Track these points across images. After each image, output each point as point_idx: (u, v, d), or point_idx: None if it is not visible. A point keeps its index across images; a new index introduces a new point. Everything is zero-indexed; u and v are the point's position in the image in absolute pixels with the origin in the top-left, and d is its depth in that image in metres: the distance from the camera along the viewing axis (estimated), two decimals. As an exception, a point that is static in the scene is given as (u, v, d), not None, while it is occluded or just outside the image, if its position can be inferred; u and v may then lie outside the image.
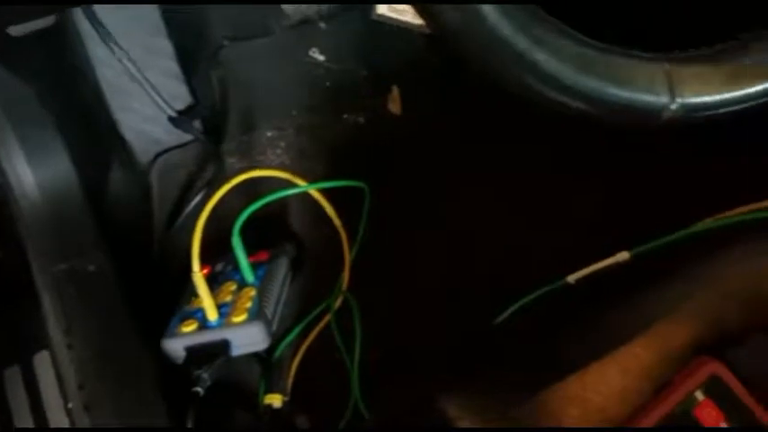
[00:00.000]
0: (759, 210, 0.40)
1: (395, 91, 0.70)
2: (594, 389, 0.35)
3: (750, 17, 0.31)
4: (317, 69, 0.72)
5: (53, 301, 0.48)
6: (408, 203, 0.61)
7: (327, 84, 0.71)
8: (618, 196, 0.49)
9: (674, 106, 0.28)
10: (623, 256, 0.41)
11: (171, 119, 0.58)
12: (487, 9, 0.24)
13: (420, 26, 0.69)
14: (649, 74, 0.27)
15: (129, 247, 0.58)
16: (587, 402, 0.34)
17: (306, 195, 0.60)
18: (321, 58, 0.72)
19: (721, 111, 0.29)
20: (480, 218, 0.56)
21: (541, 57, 0.26)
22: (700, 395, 0.31)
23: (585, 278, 0.42)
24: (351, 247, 0.58)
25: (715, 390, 0.31)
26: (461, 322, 0.50)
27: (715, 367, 0.31)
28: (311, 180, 0.61)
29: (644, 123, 0.28)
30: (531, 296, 0.43)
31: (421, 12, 0.26)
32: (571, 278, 0.42)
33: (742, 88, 0.28)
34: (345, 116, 0.70)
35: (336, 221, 0.58)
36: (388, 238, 0.59)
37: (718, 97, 0.28)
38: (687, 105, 0.28)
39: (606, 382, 0.35)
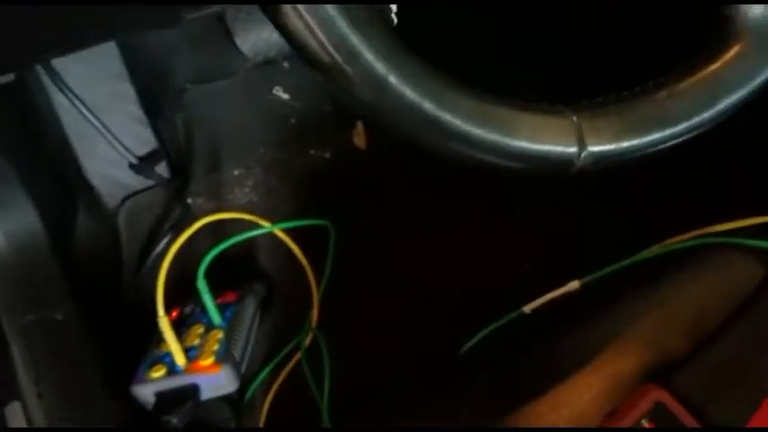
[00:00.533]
0: (703, 235, 0.42)
1: (359, 126, 0.72)
2: (548, 418, 0.36)
3: (656, 62, 0.32)
4: (282, 107, 0.73)
5: (22, 352, 0.48)
6: (373, 237, 0.62)
7: (292, 121, 0.72)
8: (570, 226, 0.50)
9: (584, 155, 0.29)
10: (574, 285, 0.42)
11: (132, 166, 0.58)
12: (392, 79, 0.26)
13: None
14: (558, 126, 0.29)
15: (97, 293, 0.58)
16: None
17: (272, 234, 0.61)
18: (285, 96, 0.73)
19: (630, 157, 0.30)
20: (443, 250, 0.58)
21: (448, 117, 0.27)
22: (645, 422, 0.32)
23: (540, 307, 0.43)
24: (318, 285, 0.59)
25: (660, 417, 0.32)
26: (427, 353, 0.51)
27: (659, 394, 0.32)
28: (278, 218, 0.62)
29: (556, 173, 0.30)
30: (490, 327, 0.44)
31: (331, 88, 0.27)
32: (527, 308, 0.43)
33: (651, 134, 0.30)
34: (312, 152, 0.71)
35: (303, 260, 0.59)
36: (354, 273, 0.60)
37: (626, 144, 0.30)
38: (596, 154, 0.29)
39: (559, 412, 0.36)
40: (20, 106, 0.59)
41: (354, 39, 0.25)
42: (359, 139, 0.72)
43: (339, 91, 0.26)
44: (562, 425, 0.36)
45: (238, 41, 0.67)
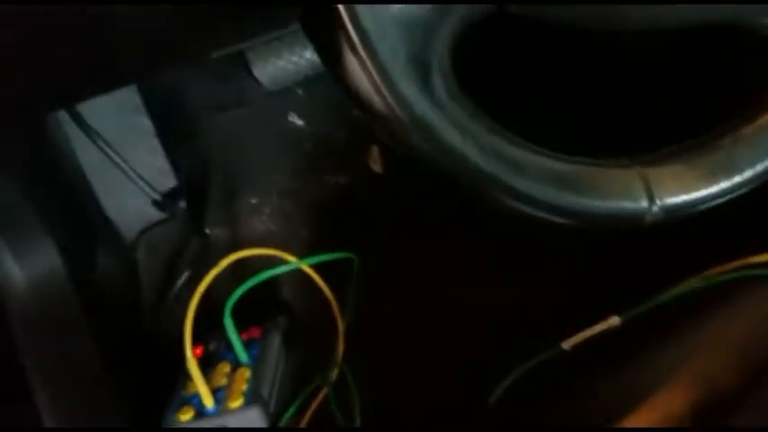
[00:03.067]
0: (745, 267, 0.41)
1: (375, 150, 0.71)
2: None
3: (706, 109, 0.32)
4: (297, 133, 0.72)
5: (47, 394, 0.47)
6: (397, 267, 0.61)
7: (307, 147, 0.71)
8: (605, 259, 0.49)
9: (654, 209, 0.29)
10: (614, 320, 0.41)
11: (154, 202, 0.58)
12: (469, 151, 0.25)
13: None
14: (625, 181, 0.28)
15: (119, 331, 0.57)
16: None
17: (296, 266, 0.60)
18: (300, 122, 0.73)
19: (702, 207, 0.30)
20: (471, 280, 0.57)
21: (521, 182, 0.26)
22: (706, 471, 0.31)
23: (579, 345, 0.42)
24: (343, 317, 0.58)
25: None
26: (458, 390, 0.50)
27: (718, 439, 0.31)
28: (297, 246, 0.61)
29: (626, 229, 0.29)
30: (527, 365, 0.43)
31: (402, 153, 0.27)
32: (565, 344, 0.42)
33: (719, 183, 0.29)
34: (327, 178, 0.70)
35: (327, 293, 0.58)
36: (379, 304, 0.59)
37: (697, 195, 0.29)
38: (667, 207, 0.29)
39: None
40: (36, 144, 0.58)
41: (426, 107, 0.24)
42: (375, 164, 0.71)
43: (403, 151, 0.26)
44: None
45: (256, 72, 0.66)
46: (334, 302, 0.58)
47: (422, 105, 0.24)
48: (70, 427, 0.47)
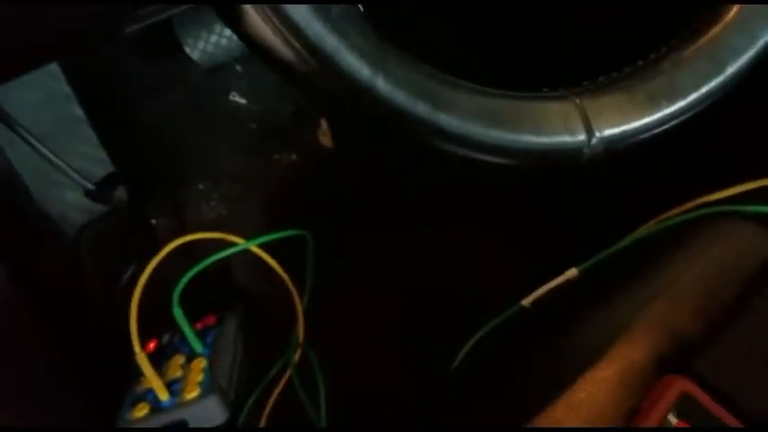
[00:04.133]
0: (700, 206, 0.40)
1: (324, 124, 0.69)
2: (567, 422, 0.34)
3: (647, 36, 0.30)
4: (240, 113, 0.70)
5: None
6: (353, 242, 0.59)
7: (253, 126, 0.69)
8: (561, 211, 0.48)
9: (594, 142, 0.27)
10: (572, 272, 0.40)
11: (89, 193, 0.55)
12: (380, 84, 0.23)
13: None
14: (561, 114, 0.26)
15: (66, 329, 0.54)
16: (561, 438, 0.33)
17: (247, 249, 0.57)
18: (242, 101, 0.70)
19: (643, 137, 0.28)
20: (428, 248, 0.55)
21: (445, 118, 0.24)
22: (672, 418, 0.30)
23: (540, 300, 0.41)
24: (301, 298, 0.56)
25: (687, 410, 0.30)
26: (423, 359, 0.49)
27: (684, 385, 0.31)
28: (250, 229, 0.59)
29: (565, 165, 0.27)
30: (488, 326, 0.42)
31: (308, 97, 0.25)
32: (525, 302, 0.41)
33: (661, 110, 0.28)
34: (277, 156, 0.68)
35: (282, 274, 0.56)
36: (337, 281, 0.57)
37: (638, 124, 0.28)
38: (607, 138, 0.27)
39: (576, 413, 0.34)
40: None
41: (333, 39, 0.22)
42: (325, 137, 0.69)
43: (316, 100, 0.24)
44: (582, 427, 0.34)
45: (187, 49, 0.63)
46: (289, 283, 0.56)
47: (325, 41, 0.22)
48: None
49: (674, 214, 0.40)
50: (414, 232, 0.57)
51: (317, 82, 0.23)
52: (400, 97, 0.23)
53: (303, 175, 0.67)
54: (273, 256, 0.57)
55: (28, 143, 0.53)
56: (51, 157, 0.54)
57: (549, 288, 0.41)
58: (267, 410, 0.53)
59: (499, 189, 0.52)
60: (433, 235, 0.55)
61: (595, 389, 0.34)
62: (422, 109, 0.23)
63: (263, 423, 0.52)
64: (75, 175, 0.54)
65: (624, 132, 0.27)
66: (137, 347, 0.47)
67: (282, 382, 0.54)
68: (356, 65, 0.22)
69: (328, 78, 0.23)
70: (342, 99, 0.24)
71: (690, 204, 0.40)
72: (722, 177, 0.40)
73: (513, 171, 0.26)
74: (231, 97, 0.70)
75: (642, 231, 0.40)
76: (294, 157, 0.68)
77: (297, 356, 0.55)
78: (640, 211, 0.42)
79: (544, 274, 0.41)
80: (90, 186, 0.55)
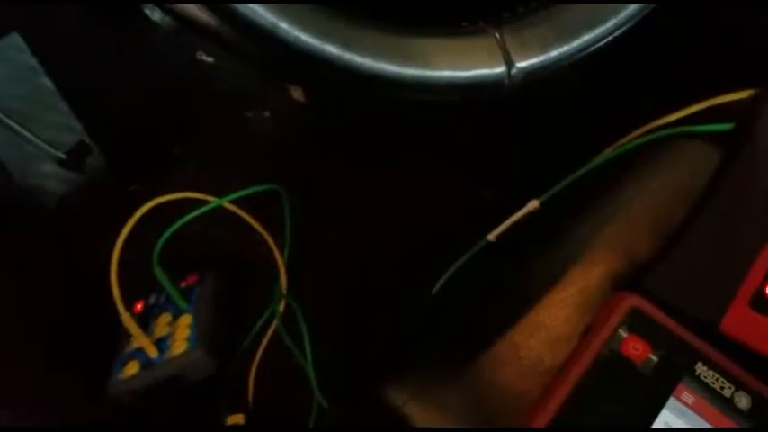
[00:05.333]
0: (652, 130, 0.41)
1: (294, 78, 0.69)
2: (525, 345, 0.35)
3: None
4: (210, 72, 0.70)
5: None
6: (327, 193, 0.60)
7: (223, 85, 0.69)
8: (521, 147, 0.49)
9: (513, 72, 0.27)
10: (533, 204, 0.41)
11: (62, 162, 0.55)
12: (283, 29, 0.23)
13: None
14: (480, 47, 0.27)
15: (53, 300, 0.56)
16: (521, 360, 0.35)
17: (224, 208, 0.58)
18: (210, 59, 0.70)
19: (563, 64, 0.28)
20: (398, 193, 0.56)
21: (356, 59, 0.25)
22: (623, 332, 0.31)
23: (506, 234, 0.42)
24: (281, 251, 0.57)
25: (637, 323, 0.31)
26: (399, 300, 0.50)
27: (633, 300, 0.32)
28: (228, 190, 0.60)
29: (486, 98, 0.28)
30: (457, 263, 0.43)
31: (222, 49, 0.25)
32: (490, 236, 0.42)
33: (581, 37, 0.28)
34: (249, 114, 0.68)
35: (259, 228, 0.57)
36: (315, 232, 0.58)
37: (555, 53, 0.28)
38: (526, 69, 0.28)
39: (535, 336, 0.36)
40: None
41: None
42: (296, 92, 0.69)
43: (232, 54, 0.24)
44: (539, 349, 0.35)
45: (148, 11, 0.63)
46: (268, 237, 0.58)
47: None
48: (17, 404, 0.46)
49: (628, 140, 0.41)
50: (382, 178, 0.57)
51: (227, 38, 0.24)
52: (307, 39, 0.24)
53: (277, 130, 0.67)
54: (250, 213, 0.58)
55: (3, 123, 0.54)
56: (22, 130, 0.54)
57: (511, 222, 0.42)
58: (256, 360, 0.54)
59: (462, 131, 0.53)
60: (402, 179, 0.56)
61: (553, 311, 0.36)
62: (331, 50, 0.24)
63: (252, 372, 0.54)
64: (46, 146, 0.55)
65: (543, 62, 0.28)
66: (121, 309, 0.49)
67: (269, 332, 0.55)
68: (257, 12, 0.23)
69: (238, 32, 0.23)
70: (253, 50, 0.24)
71: (642, 129, 0.41)
72: (671, 100, 0.40)
73: (440, 104, 0.27)
74: (198, 56, 0.70)
75: (599, 159, 0.41)
76: (267, 113, 0.68)
77: (281, 307, 0.56)
78: (597, 139, 0.43)
79: (510, 208, 0.42)
80: (62, 156, 0.56)
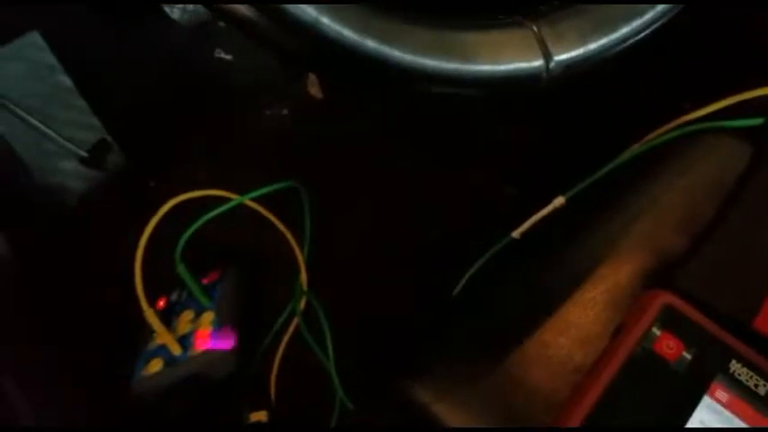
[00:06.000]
0: (682, 125, 0.40)
1: (311, 75, 0.69)
2: (555, 344, 0.35)
3: None
4: (228, 69, 0.70)
5: (11, 373, 0.47)
6: (347, 189, 0.60)
7: (241, 82, 0.69)
8: (546, 141, 0.48)
9: (551, 65, 0.27)
10: (559, 201, 0.41)
11: (82, 160, 0.56)
12: (325, 24, 0.23)
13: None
14: (517, 41, 0.26)
15: (77, 296, 0.56)
16: (550, 359, 0.35)
17: (245, 205, 0.58)
18: (228, 57, 0.70)
19: (602, 57, 0.28)
20: (420, 188, 0.56)
21: (396, 54, 0.24)
22: (656, 330, 0.31)
23: (530, 231, 0.42)
24: (301, 248, 0.57)
25: (670, 321, 0.31)
26: (422, 297, 0.50)
27: (666, 298, 0.32)
28: (246, 187, 0.60)
29: (525, 92, 0.27)
30: (481, 260, 0.43)
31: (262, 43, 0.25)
32: (515, 233, 0.42)
33: (617, 29, 0.28)
34: (268, 112, 0.68)
35: (280, 226, 0.57)
36: (335, 228, 0.58)
37: (594, 46, 0.28)
38: (564, 62, 0.27)
39: (565, 335, 0.35)
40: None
41: None
42: (314, 88, 0.69)
43: (274, 50, 0.24)
44: (569, 348, 0.35)
45: (167, 10, 0.63)
46: (289, 235, 0.58)
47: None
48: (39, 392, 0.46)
49: (656, 136, 0.41)
50: (404, 174, 0.57)
51: (270, 35, 0.24)
52: (348, 35, 0.23)
53: (295, 127, 0.67)
54: (270, 210, 0.58)
55: (18, 116, 0.54)
56: (43, 128, 0.55)
57: (537, 218, 0.41)
58: (278, 358, 0.54)
59: (487, 127, 0.53)
60: (424, 174, 0.56)
61: (583, 309, 0.36)
62: (371, 45, 0.24)
63: (274, 370, 0.54)
64: (68, 144, 0.55)
65: (581, 55, 0.27)
66: (144, 305, 0.49)
67: (290, 330, 0.55)
68: (300, 8, 0.23)
69: (279, 29, 0.23)
70: (293, 46, 0.24)
71: (671, 125, 0.40)
72: (700, 95, 0.40)
73: (477, 101, 0.27)
74: (216, 54, 0.70)
75: (626, 154, 0.41)
76: (285, 111, 0.68)
77: (302, 304, 0.56)
78: (625, 135, 0.42)
79: (535, 205, 0.42)
80: (83, 153, 0.56)
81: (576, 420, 0.29)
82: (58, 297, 0.54)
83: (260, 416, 0.51)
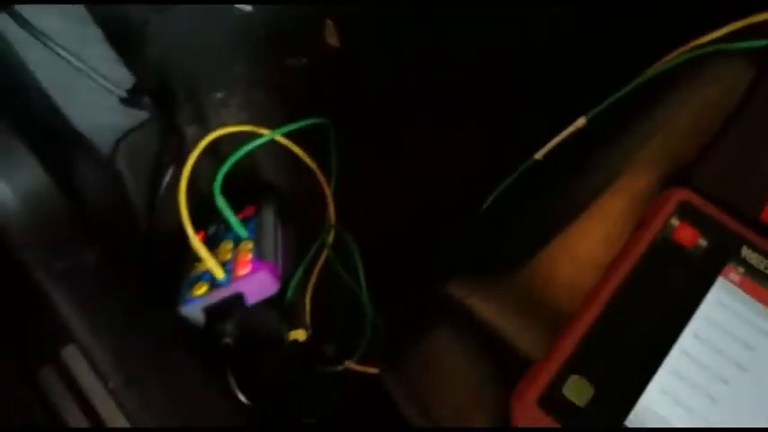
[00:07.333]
0: (691, 49, 0.43)
1: (330, 24, 0.71)
2: (579, 244, 0.38)
3: None
4: (248, 20, 0.72)
5: (65, 296, 0.49)
6: (371, 131, 0.63)
7: (261, 33, 0.71)
8: (564, 65, 0.50)
9: None
10: (580, 121, 0.44)
11: (123, 100, 0.58)
12: None
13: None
14: None
15: (116, 235, 0.59)
16: (576, 258, 0.38)
17: (271, 144, 0.61)
18: (248, 8, 0.72)
19: None
20: (442, 122, 0.58)
21: None
22: (674, 221, 0.34)
23: (551, 152, 0.45)
24: (328, 182, 0.60)
25: (687, 213, 0.35)
26: (448, 218, 0.53)
27: (682, 194, 0.35)
28: (272, 126, 0.62)
29: None
30: (506, 182, 0.46)
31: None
32: (538, 155, 0.45)
33: None
34: (288, 60, 0.71)
35: (309, 162, 0.60)
36: (361, 164, 0.61)
37: None
38: None
39: (588, 236, 0.39)
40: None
41: None
42: (331, 37, 0.71)
43: None
44: (594, 249, 0.38)
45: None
46: (315, 168, 0.61)
47: None
48: (96, 317, 0.49)
49: (670, 59, 0.44)
50: (430, 108, 0.60)
51: None
52: None
53: (314, 75, 0.70)
54: (299, 146, 0.61)
55: (63, 58, 0.56)
56: (84, 66, 0.57)
57: (559, 139, 0.44)
58: (311, 285, 0.58)
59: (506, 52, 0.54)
60: (445, 106, 0.58)
61: (604, 214, 0.39)
62: None
63: (308, 296, 0.57)
64: (109, 84, 0.57)
65: None
66: (190, 231, 0.52)
67: (321, 260, 0.59)
68: None
69: None
70: None
71: (683, 48, 0.43)
72: (709, 20, 0.43)
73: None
74: (237, 6, 0.72)
75: (640, 79, 0.44)
76: (305, 60, 0.70)
77: (331, 237, 0.59)
78: (639, 61, 0.45)
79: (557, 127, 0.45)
80: (123, 94, 0.58)
81: (598, 304, 0.33)
82: (99, 237, 0.57)
83: (298, 334, 0.54)
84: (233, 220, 0.55)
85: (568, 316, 0.35)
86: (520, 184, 0.46)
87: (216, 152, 0.62)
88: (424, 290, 0.42)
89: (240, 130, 0.59)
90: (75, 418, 0.49)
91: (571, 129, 0.44)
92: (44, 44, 0.54)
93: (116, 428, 0.46)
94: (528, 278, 0.38)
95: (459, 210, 0.53)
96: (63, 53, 0.55)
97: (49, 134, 0.61)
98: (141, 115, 0.64)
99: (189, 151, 0.64)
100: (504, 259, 0.40)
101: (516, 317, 0.36)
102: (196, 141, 0.66)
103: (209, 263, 0.52)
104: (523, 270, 0.38)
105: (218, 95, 0.69)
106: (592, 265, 0.37)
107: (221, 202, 0.54)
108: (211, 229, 0.59)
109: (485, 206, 0.46)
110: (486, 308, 0.37)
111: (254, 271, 0.52)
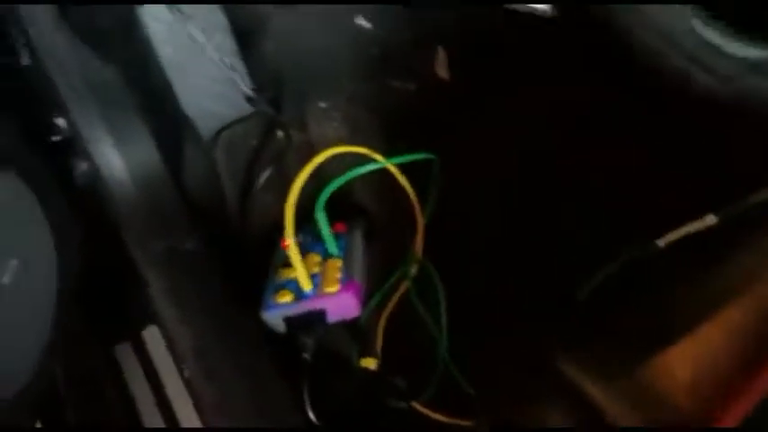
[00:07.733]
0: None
1: (441, 54, 0.71)
2: (703, 350, 0.37)
3: None
4: (364, 36, 0.72)
5: (158, 278, 0.50)
6: (473, 169, 0.62)
7: (375, 51, 0.71)
8: (701, 157, 0.49)
9: None
10: (711, 219, 0.43)
11: (249, 99, 0.59)
12: None
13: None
14: None
15: (213, 228, 0.59)
16: (696, 357, 0.37)
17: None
18: (368, 25, 0.72)
19: None
20: (553, 175, 0.57)
21: None
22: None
23: (674, 242, 0.44)
24: (423, 214, 0.60)
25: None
26: (545, 287, 0.52)
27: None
28: (370, 145, 0.62)
29: None
30: (620, 260, 0.45)
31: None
32: (660, 242, 0.44)
33: None
34: (396, 84, 0.70)
35: (411, 193, 0.60)
36: (458, 203, 0.60)
37: None
38: None
39: (711, 344, 0.37)
40: (128, 38, 0.59)
41: None
42: (441, 69, 0.71)
43: None
44: (716, 356, 0.37)
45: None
46: (415, 200, 0.60)
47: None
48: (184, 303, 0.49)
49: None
50: (539, 161, 0.58)
51: None
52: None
53: (419, 103, 0.70)
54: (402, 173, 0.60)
55: (194, 41, 0.57)
56: (215, 54, 0.57)
57: (686, 231, 0.43)
58: (386, 314, 0.57)
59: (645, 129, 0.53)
60: (563, 161, 0.57)
61: (730, 323, 0.38)
62: None
63: (382, 325, 0.57)
64: (236, 75, 0.58)
65: None
66: (290, 239, 0.52)
67: (401, 290, 0.58)
68: None
69: None
70: None
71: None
72: None
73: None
74: (357, 20, 0.72)
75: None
76: (412, 86, 0.70)
77: (414, 270, 0.59)
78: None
79: (680, 217, 0.44)
80: (248, 91, 0.59)
81: (733, 419, 0.32)
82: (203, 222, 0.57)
83: (369, 362, 0.54)
84: (327, 235, 0.55)
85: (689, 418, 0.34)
86: (630, 270, 0.45)
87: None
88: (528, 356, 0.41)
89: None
90: (145, 397, 0.50)
91: (699, 224, 0.43)
92: (180, 24, 0.54)
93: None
94: (646, 373, 0.37)
95: (561, 277, 0.52)
96: (200, 38, 0.56)
97: (163, 113, 0.62)
98: (245, 108, 0.65)
99: (290, 153, 0.64)
100: (617, 345, 0.39)
101: (631, 411, 0.35)
102: (298, 146, 0.67)
103: (300, 273, 0.52)
104: (640, 363, 0.37)
105: (322, 105, 0.70)
106: (714, 375, 0.36)
107: (322, 218, 0.54)
108: (299, 238, 0.59)
109: (588, 287, 0.44)
110: (596, 392, 0.36)
111: (342, 291, 0.52)
